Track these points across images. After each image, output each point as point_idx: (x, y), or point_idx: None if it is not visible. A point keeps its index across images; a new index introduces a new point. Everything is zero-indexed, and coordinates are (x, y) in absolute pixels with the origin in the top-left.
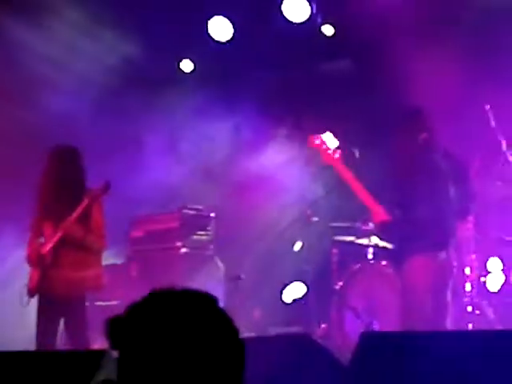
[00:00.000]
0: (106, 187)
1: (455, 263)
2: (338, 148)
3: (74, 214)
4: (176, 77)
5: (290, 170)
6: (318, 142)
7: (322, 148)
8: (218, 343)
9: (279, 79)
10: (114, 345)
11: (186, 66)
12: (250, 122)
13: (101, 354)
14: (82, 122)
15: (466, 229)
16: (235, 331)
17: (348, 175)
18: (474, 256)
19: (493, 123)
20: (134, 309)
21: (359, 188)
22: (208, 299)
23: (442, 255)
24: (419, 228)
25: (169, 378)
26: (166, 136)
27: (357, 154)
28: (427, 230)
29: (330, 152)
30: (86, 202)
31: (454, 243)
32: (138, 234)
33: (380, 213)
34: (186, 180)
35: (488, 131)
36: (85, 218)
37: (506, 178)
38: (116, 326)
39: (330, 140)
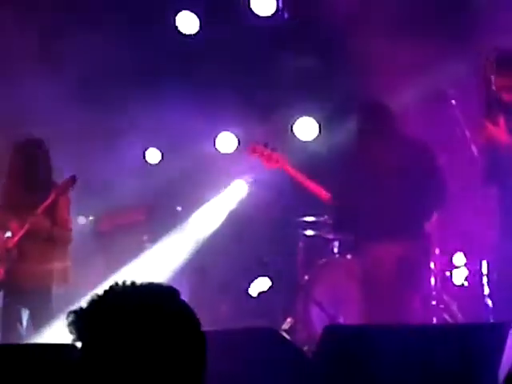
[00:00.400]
0: (73, 181)
1: (418, 256)
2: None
3: (41, 208)
4: (144, 69)
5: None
6: (256, 151)
7: (262, 156)
8: (179, 335)
9: (245, 72)
10: (75, 337)
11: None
12: (216, 117)
13: (65, 347)
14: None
15: (430, 223)
16: (196, 323)
17: (293, 172)
18: (437, 250)
19: (460, 118)
20: (95, 301)
21: (306, 181)
22: (170, 291)
23: (398, 247)
24: (372, 219)
25: (129, 369)
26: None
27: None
28: (379, 220)
29: (269, 157)
30: (53, 195)
31: (419, 235)
32: (104, 227)
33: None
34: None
35: (454, 125)
36: (51, 211)
37: (469, 172)
38: (77, 318)
39: (265, 146)
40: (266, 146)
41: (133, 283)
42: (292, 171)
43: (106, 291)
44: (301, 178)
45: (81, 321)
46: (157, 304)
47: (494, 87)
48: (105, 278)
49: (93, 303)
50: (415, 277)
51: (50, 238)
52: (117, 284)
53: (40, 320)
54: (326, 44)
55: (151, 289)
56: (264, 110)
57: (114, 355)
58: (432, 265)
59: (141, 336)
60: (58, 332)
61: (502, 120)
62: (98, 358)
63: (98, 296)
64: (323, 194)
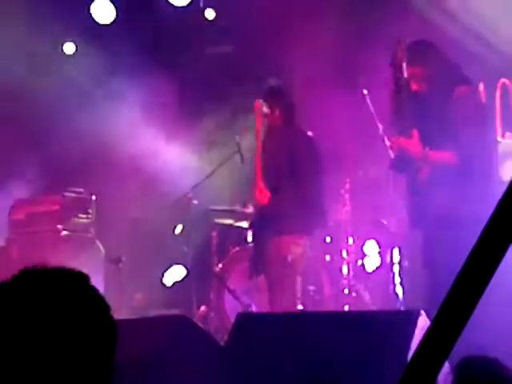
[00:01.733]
0: None
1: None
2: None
3: None
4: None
5: (170, 152)
6: (262, 108)
7: (260, 114)
8: (88, 320)
9: (162, 63)
10: None
11: (69, 48)
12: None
13: None
14: None
15: (343, 212)
16: (107, 309)
17: (258, 150)
18: (350, 239)
19: (371, 108)
20: (4, 286)
21: (259, 167)
22: (79, 276)
23: (301, 239)
24: (282, 210)
25: (36, 357)
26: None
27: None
28: (289, 212)
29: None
30: None
31: (322, 225)
32: (18, 216)
33: (263, 197)
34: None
35: (366, 116)
36: None
37: (381, 163)
38: None
39: (265, 108)
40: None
41: (42, 269)
42: (258, 152)
43: (15, 277)
44: (258, 159)
45: None
46: (66, 288)
47: (405, 74)
48: (18, 268)
49: (1, 289)
50: (331, 266)
51: None
52: (26, 269)
53: None
54: (239, 33)
55: (60, 274)
56: None
57: (20, 341)
58: (344, 253)
59: (49, 321)
60: None
61: (415, 131)
62: (3, 345)
63: (7, 282)
64: (264, 190)
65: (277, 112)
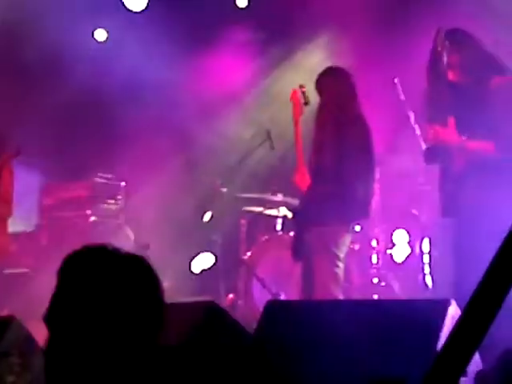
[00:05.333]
0: (17, 152)
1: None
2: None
3: None
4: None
5: (200, 139)
6: (298, 95)
7: (297, 102)
8: (143, 291)
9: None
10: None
11: (100, 35)
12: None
13: (4, 320)
14: None
15: (373, 201)
16: (159, 285)
17: (299, 137)
18: (380, 228)
19: (402, 96)
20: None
21: (300, 152)
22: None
23: (343, 228)
24: (325, 200)
25: (94, 318)
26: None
27: None
28: (333, 202)
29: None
30: None
31: (363, 214)
32: (48, 201)
33: (303, 183)
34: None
35: (397, 104)
36: None
37: (412, 152)
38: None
39: (303, 96)
40: (305, 96)
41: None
42: (298, 132)
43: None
44: (299, 145)
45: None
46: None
47: (444, 63)
48: (48, 253)
49: (77, 254)
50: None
51: None
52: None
53: None
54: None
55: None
56: None
57: (85, 298)
58: (374, 243)
59: (109, 292)
60: None
61: (451, 120)
62: (72, 297)
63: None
64: (305, 176)
65: (324, 98)
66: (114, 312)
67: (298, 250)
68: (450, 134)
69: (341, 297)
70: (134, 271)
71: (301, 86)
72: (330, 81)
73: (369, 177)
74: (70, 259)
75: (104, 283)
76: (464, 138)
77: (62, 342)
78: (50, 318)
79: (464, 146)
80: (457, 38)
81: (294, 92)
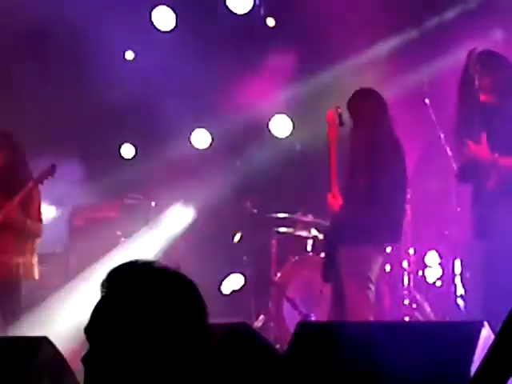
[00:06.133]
0: (53, 170)
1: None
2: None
3: (18, 198)
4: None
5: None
6: (334, 116)
7: (333, 123)
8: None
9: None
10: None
11: (129, 55)
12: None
13: (36, 341)
14: None
15: (404, 222)
16: (202, 303)
17: (334, 158)
18: (411, 249)
19: (433, 117)
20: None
21: (334, 173)
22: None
23: (374, 250)
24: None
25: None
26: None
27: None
28: (365, 223)
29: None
30: (30, 184)
31: (395, 236)
32: (78, 222)
33: (335, 203)
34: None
35: (427, 125)
36: (26, 201)
37: (444, 172)
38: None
39: (338, 117)
40: (340, 117)
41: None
42: (334, 153)
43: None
44: (334, 164)
45: (110, 277)
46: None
47: (476, 87)
48: (76, 274)
49: (122, 266)
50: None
51: (23, 230)
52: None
53: (7, 313)
54: (300, 39)
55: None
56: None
57: (128, 311)
58: (405, 264)
59: (154, 298)
60: (25, 326)
61: (483, 136)
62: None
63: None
64: (338, 197)
65: (357, 120)
66: (154, 329)
67: (329, 271)
68: (482, 150)
69: (372, 319)
70: (179, 290)
71: (336, 108)
72: (362, 103)
73: (401, 199)
74: (115, 271)
75: (148, 299)
76: (496, 155)
77: (101, 354)
78: (90, 330)
79: (496, 162)
80: (488, 60)
81: (330, 113)
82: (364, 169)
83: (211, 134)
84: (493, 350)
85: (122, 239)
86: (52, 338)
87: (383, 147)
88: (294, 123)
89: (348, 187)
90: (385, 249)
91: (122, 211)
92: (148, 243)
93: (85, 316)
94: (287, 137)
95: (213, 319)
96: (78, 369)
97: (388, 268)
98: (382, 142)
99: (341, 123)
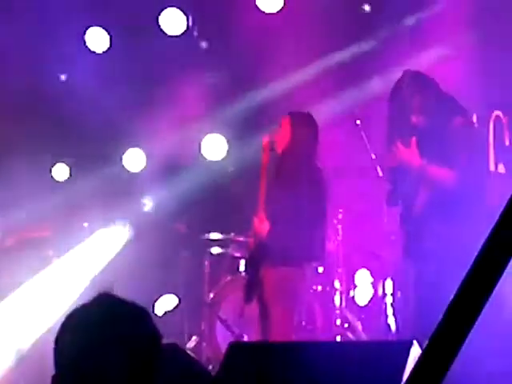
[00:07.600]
0: None
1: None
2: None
3: None
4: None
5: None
6: (268, 141)
7: (266, 149)
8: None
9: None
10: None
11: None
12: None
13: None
14: None
15: (336, 242)
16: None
17: (263, 182)
18: (343, 269)
19: (364, 138)
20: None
21: (262, 197)
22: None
23: (300, 269)
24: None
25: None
26: None
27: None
28: (287, 243)
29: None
30: None
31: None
32: (10, 242)
33: (261, 228)
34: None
35: (360, 146)
36: None
37: (375, 193)
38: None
39: (271, 143)
40: (273, 143)
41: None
42: (264, 177)
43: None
44: (262, 190)
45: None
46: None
47: (408, 107)
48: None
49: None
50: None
51: None
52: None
53: None
54: (234, 60)
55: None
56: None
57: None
58: (337, 284)
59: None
60: None
61: (413, 141)
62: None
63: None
64: (264, 221)
65: (284, 146)
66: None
67: (251, 292)
68: (411, 152)
69: (294, 338)
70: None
71: (271, 134)
72: (289, 129)
73: (322, 223)
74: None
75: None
76: (425, 161)
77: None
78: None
79: (424, 169)
80: (419, 81)
81: (266, 138)
82: (288, 195)
83: (146, 154)
84: (416, 367)
85: (55, 259)
86: None
87: (306, 174)
88: (228, 144)
89: (271, 210)
90: (315, 268)
91: (53, 232)
92: (81, 264)
93: (15, 336)
94: (222, 159)
95: None
96: None
97: (320, 288)
98: (305, 170)
99: (272, 149)
